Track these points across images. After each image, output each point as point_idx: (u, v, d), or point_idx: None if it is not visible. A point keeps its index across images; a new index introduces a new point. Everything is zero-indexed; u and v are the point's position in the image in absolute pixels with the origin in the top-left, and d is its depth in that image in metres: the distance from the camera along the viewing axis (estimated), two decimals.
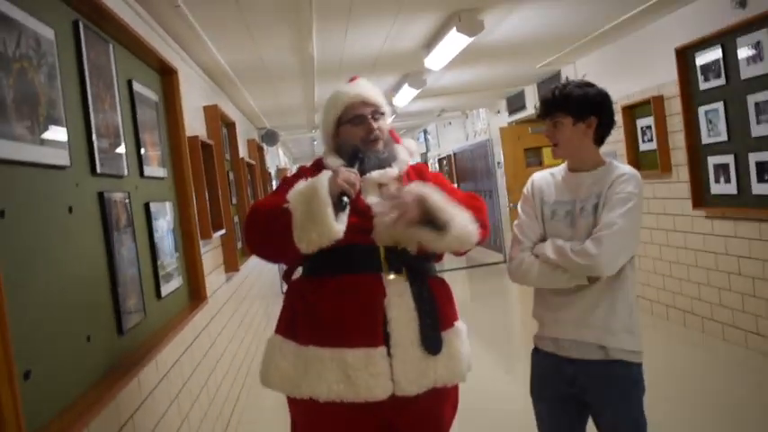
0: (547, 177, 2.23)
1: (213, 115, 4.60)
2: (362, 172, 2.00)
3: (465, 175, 11.65)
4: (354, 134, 2.07)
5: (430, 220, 1.91)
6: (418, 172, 2.18)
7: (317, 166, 2.10)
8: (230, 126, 5.53)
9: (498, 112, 9.61)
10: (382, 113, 2.12)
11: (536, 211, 2.20)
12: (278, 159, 12.40)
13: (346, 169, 1.92)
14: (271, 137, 8.79)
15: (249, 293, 5.71)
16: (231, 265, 4.68)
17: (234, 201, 5.32)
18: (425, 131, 14.76)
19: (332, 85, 2.27)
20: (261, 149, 8.21)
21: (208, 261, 3.96)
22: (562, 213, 2.14)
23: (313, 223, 1.81)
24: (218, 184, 4.31)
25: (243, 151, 6.60)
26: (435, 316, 1.94)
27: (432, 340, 1.90)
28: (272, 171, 10.32)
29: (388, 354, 1.86)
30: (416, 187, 1.95)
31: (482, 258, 10.33)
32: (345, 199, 1.86)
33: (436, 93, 7.96)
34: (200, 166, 3.80)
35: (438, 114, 10.63)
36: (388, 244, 1.95)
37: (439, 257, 2.09)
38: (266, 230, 1.89)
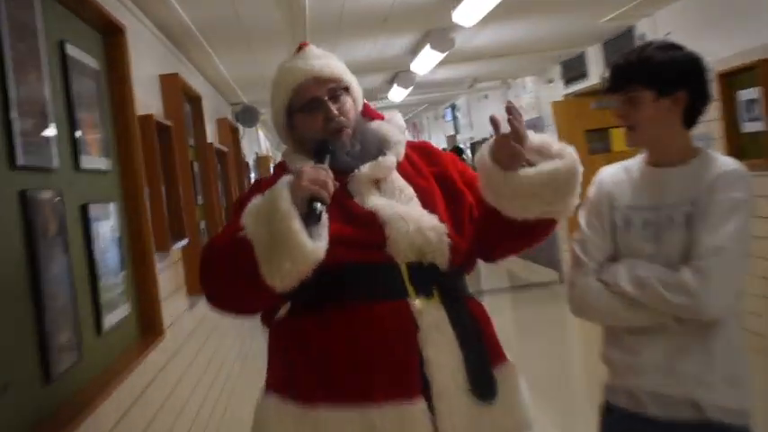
0: (619, 174, 2.22)
1: (173, 87, 4.61)
2: (338, 169, 1.97)
3: None
4: (312, 125, 2.06)
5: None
6: (424, 153, 2.16)
7: (281, 172, 2.07)
8: (195, 101, 5.54)
9: (551, 81, 9.59)
10: (345, 89, 2.10)
11: (604, 221, 2.18)
12: (258, 145, 12.43)
13: (311, 167, 1.89)
14: (248, 115, 8.81)
15: (220, 324, 5.70)
16: (196, 287, 4.67)
17: (200, 200, 5.33)
18: (453, 108, 14.77)
19: (327, 47, 2.25)
20: (235, 132, 8.23)
21: (166, 281, 3.95)
22: (639, 223, 2.13)
23: (281, 248, 1.78)
24: (178, 178, 4.31)
25: (212, 134, 6.61)
26: (484, 350, 1.95)
27: (484, 383, 1.90)
28: (251, 160, 10.34)
29: (430, 408, 1.84)
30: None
31: (529, 276, 10.30)
32: (318, 205, 1.83)
33: (468, 56, 7.94)
34: (156, 155, 3.79)
35: (470, 85, 10.63)
36: (411, 259, 1.94)
37: (470, 268, 2.09)
38: (224, 275, 1.86)
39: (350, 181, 2.02)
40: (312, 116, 2.05)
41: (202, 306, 5.03)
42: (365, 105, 2.21)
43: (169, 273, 4.15)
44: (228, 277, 1.87)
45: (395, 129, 2.16)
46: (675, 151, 2.13)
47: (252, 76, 7.52)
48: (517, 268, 10.81)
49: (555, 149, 1.98)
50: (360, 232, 1.93)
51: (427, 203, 2.02)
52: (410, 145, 2.17)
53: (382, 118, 2.21)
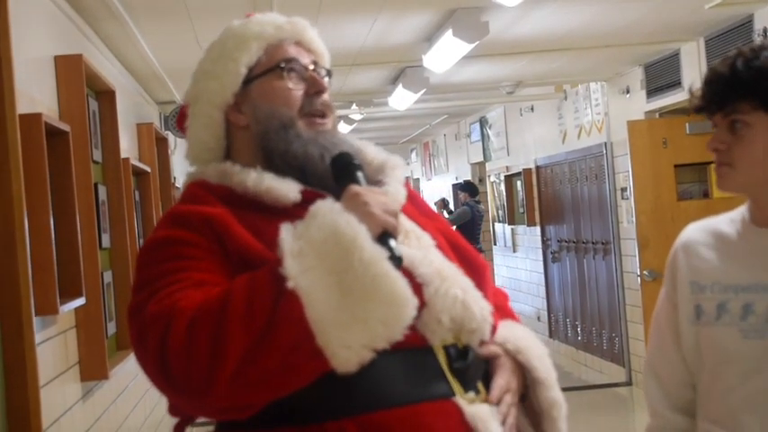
0: (708, 236, 2.26)
1: (73, 75, 4.62)
2: (311, 195, 2.00)
3: (555, 209, 11.67)
4: (284, 95, 2.10)
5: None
6: (409, 197, 2.22)
7: (209, 200, 2.04)
8: (106, 97, 5.56)
9: (627, 91, 9.64)
10: (327, 71, 2.21)
11: (681, 315, 2.23)
12: None
13: (369, 190, 1.93)
14: (183, 120, 8.81)
15: (129, 424, 5.62)
16: (95, 368, 4.65)
17: (106, 241, 5.30)
18: (483, 122, 14.83)
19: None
20: (164, 143, 8.22)
21: (48, 359, 3.93)
22: (737, 310, 2.15)
23: (365, 303, 1.79)
24: (75, 207, 4.30)
25: (129, 146, 6.61)
26: None
27: None
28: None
29: None
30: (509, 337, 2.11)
31: (587, 374, 10.26)
32: (394, 244, 1.87)
33: (507, 49, 7.99)
34: (44, 174, 3.79)
35: (509, 91, 10.68)
36: (447, 340, 1.98)
37: None
38: (242, 352, 1.77)
39: None
40: (291, 82, 2.11)
41: (101, 397, 4.98)
42: None
43: (54, 347, 4.11)
44: (247, 356, 1.78)
45: (367, 144, 2.23)
46: None
47: (191, 65, 7.42)
48: (570, 363, 10.78)
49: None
50: None
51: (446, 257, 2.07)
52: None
53: None
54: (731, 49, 2.21)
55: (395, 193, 2.08)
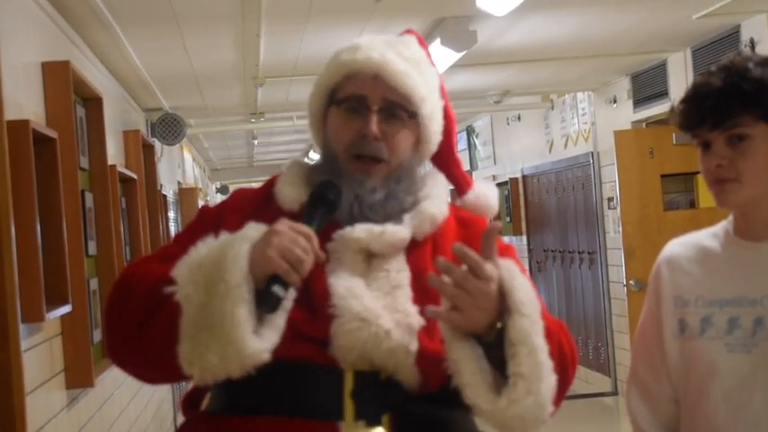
0: (690, 251, 2.26)
1: (61, 82, 4.62)
2: (329, 225, 2.02)
3: (542, 219, 11.68)
4: (339, 129, 2.11)
5: (494, 344, 1.91)
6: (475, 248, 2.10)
7: (263, 189, 2.19)
8: (93, 104, 5.55)
9: (614, 101, 9.67)
10: (410, 114, 2.10)
11: (665, 324, 2.22)
12: (182, 171, 12.44)
13: (290, 228, 1.92)
14: (170, 128, 8.83)
15: (115, 428, 5.63)
16: (80, 375, 4.65)
17: (92, 249, 5.30)
18: (470, 131, 14.85)
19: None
20: (150, 151, 8.21)
21: (34, 366, 3.92)
22: (723, 324, 2.15)
23: (212, 335, 1.86)
24: (62, 214, 4.29)
25: (115, 153, 6.61)
26: None
27: None
28: (170, 193, 10.34)
29: None
30: (507, 266, 1.92)
31: (572, 385, 10.26)
32: (279, 291, 1.88)
33: (495, 59, 8.00)
34: (31, 180, 3.79)
35: (496, 100, 10.69)
36: (360, 367, 1.96)
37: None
38: (133, 326, 1.98)
39: (335, 239, 2.04)
40: (347, 119, 2.11)
41: (86, 405, 4.97)
42: (454, 161, 2.24)
43: (40, 354, 4.11)
44: (137, 331, 1.97)
45: (443, 192, 2.17)
46: None
47: (178, 72, 7.54)
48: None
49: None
50: (302, 316, 1.96)
51: (424, 301, 1.99)
52: (462, 220, 2.19)
53: (468, 185, 2.25)
54: (719, 60, 2.20)
55: (389, 235, 2.04)
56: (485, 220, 2.24)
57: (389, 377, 1.97)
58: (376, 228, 2.05)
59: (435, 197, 2.15)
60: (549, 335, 1.95)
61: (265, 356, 1.87)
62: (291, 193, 2.11)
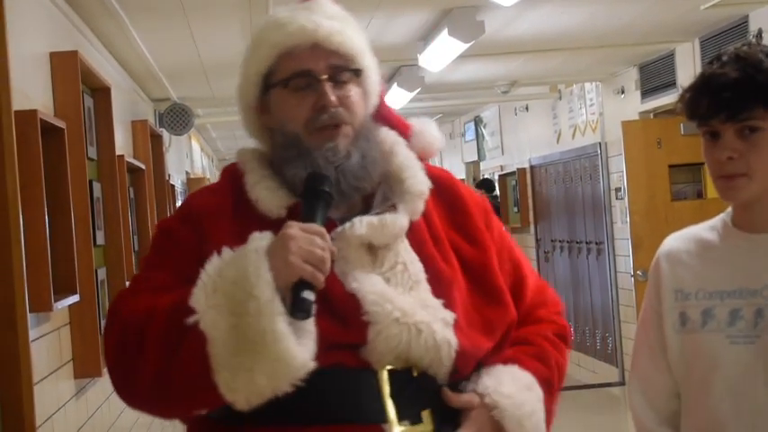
0: (690, 244, 2.26)
1: (69, 72, 4.62)
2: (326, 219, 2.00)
3: (549, 209, 11.68)
4: (293, 110, 2.06)
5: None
6: (446, 202, 2.16)
7: (228, 185, 2.10)
8: (100, 93, 5.55)
9: (622, 92, 9.65)
10: (355, 72, 2.10)
11: (666, 318, 2.22)
12: (190, 161, 12.46)
13: (302, 231, 1.90)
14: (178, 118, 8.83)
15: (122, 421, 5.60)
16: (88, 365, 4.65)
17: (100, 239, 5.31)
18: (478, 122, 14.83)
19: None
20: (158, 141, 8.22)
21: (42, 356, 3.93)
22: (724, 316, 2.15)
23: (256, 357, 1.82)
24: (70, 204, 4.30)
25: (123, 143, 6.61)
26: None
27: None
28: (178, 182, 10.35)
29: None
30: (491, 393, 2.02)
31: (578, 374, 10.26)
32: (308, 295, 1.85)
33: (503, 49, 7.99)
34: (39, 170, 3.79)
35: (504, 90, 10.68)
36: (394, 365, 1.96)
37: None
38: (151, 367, 1.88)
39: (335, 236, 2.00)
40: (297, 97, 2.05)
41: (94, 395, 4.98)
42: (381, 103, 2.19)
43: (48, 344, 4.11)
44: (157, 373, 1.88)
45: (412, 161, 2.14)
46: None
47: (186, 62, 7.54)
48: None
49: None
50: (330, 325, 1.92)
51: (441, 293, 2.02)
52: (439, 180, 2.17)
53: (407, 128, 2.21)
54: (725, 49, 2.19)
55: (390, 225, 2.04)
56: (450, 175, 2.24)
57: (421, 372, 1.98)
58: (375, 220, 2.03)
59: (410, 167, 2.12)
60: (547, 361, 2.13)
61: (312, 365, 1.85)
62: (274, 200, 2.05)
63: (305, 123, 2.05)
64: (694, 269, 2.22)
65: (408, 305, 1.97)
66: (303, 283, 1.86)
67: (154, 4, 5.62)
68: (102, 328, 2.02)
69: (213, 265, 1.90)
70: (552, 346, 2.17)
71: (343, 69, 2.08)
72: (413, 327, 1.94)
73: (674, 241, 2.31)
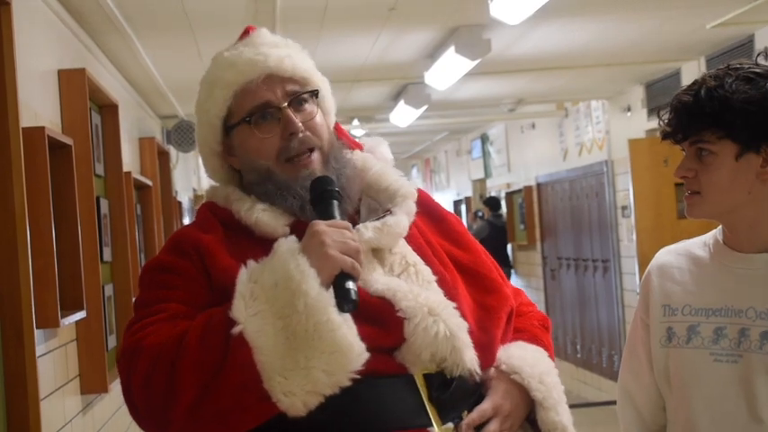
0: (680, 258, 2.27)
1: (77, 89, 4.63)
2: (306, 220, 2.01)
3: (556, 227, 11.67)
4: (261, 145, 2.07)
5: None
6: (426, 213, 2.20)
7: (208, 221, 2.08)
8: (108, 110, 5.56)
9: (628, 110, 9.66)
10: (312, 94, 2.12)
11: (654, 332, 2.23)
12: (197, 178, 12.47)
13: (328, 223, 1.91)
14: (185, 135, 8.85)
15: None
16: (95, 381, 4.65)
17: (107, 255, 5.31)
18: (485, 140, 14.85)
19: (307, 42, 2.26)
20: (165, 158, 8.23)
21: (49, 371, 3.93)
22: (709, 333, 2.15)
23: (310, 351, 1.81)
24: (77, 220, 4.30)
25: (131, 160, 6.62)
26: None
27: None
28: (185, 200, 10.36)
29: None
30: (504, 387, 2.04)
31: (585, 392, 10.24)
32: (351, 285, 1.86)
33: (509, 67, 8.00)
34: (46, 187, 3.80)
35: (510, 108, 10.70)
36: (428, 368, 1.97)
37: None
38: (196, 390, 1.83)
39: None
40: (262, 131, 2.06)
41: (100, 411, 4.97)
42: (336, 126, 2.21)
43: (55, 359, 4.11)
44: (200, 396, 1.84)
45: (389, 168, 2.18)
46: (765, 233, 2.15)
47: (193, 79, 7.47)
48: (569, 381, 10.76)
49: None
50: (365, 330, 1.91)
51: (449, 295, 2.04)
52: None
53: (360, 147, 2.23)
54: (699, 78, 2.21)
55: (394, 226, 2.06)
56: (421, 189, 2.25)
57: (459, 375, 1.99)
58: (378, 224, 2.06)
59: (389, 173, 2.16)
60: (542, 343, 2.17)
61: (366, 356, 1.85)
62: (274, 219, 2.04)
63: (277, 155, 2.06)
64: (683, 285, 2.23)
65: (433, 300, 1.99)
66: (344, 275, 1.87)
67: (161, 22, 5.64)
68: (119, 369, 1.96)
69: (244, 275, 1.88)
70: (542, 333, 2.22)
71: (301, 93, 2.10)
72: (443, 320, 1.96)
73: (667, 255, 2.31)
